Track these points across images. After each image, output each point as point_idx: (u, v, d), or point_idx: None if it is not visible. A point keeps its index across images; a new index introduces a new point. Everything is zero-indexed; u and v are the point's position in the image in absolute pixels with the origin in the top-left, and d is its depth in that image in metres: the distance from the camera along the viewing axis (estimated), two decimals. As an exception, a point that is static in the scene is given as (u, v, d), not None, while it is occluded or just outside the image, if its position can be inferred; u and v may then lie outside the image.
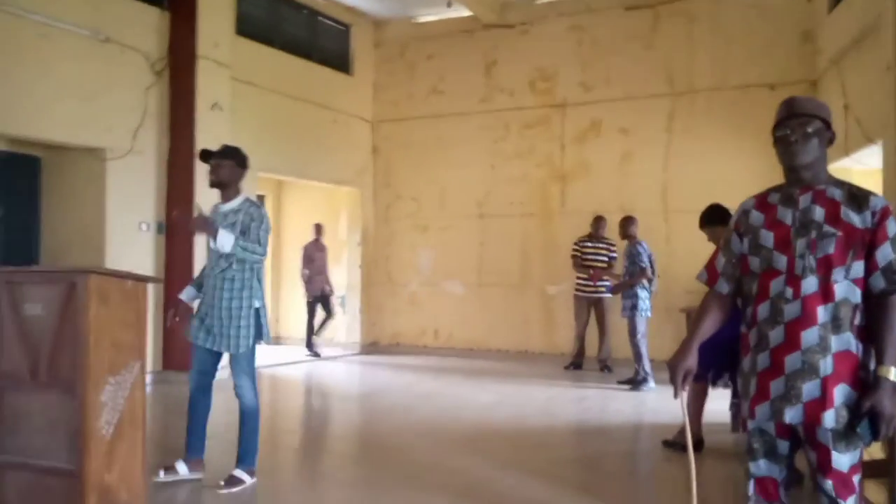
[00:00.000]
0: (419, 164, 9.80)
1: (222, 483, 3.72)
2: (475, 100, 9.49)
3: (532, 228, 9.12)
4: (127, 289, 3.23)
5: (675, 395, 2.38)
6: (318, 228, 9.52)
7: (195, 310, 3.94)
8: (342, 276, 10.11)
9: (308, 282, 9.32)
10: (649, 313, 6.99)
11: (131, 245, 6.96)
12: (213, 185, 3.80)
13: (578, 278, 8.08)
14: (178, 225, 3.72)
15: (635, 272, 6.86)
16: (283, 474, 4.17)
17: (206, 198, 7.29)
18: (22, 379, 3.17)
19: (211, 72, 7.42)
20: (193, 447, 3.86)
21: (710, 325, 2.41)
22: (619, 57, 8.65)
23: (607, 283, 7.84)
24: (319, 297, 9.34)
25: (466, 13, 9.34)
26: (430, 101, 9.79)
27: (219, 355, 3.88)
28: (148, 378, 3.70)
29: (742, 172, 7.42)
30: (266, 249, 3.75)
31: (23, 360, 3.18)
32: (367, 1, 9.47)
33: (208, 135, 7.34)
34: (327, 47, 9.64)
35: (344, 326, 10.06)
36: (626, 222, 7.13)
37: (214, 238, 3.61)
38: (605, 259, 7.97)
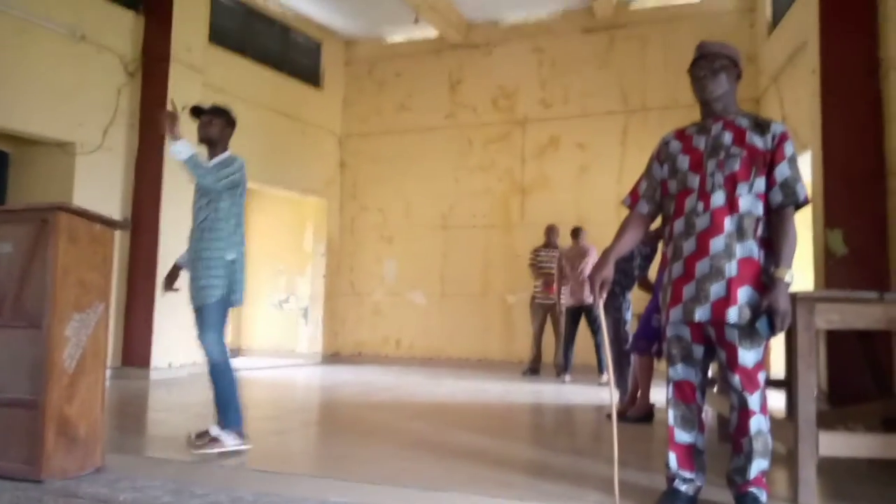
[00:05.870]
0: (385, 177, 10.07)
1: (193, 437, 3.52)
2: (440, 116, 9.85)
3: (493, 240, 9.41)
4: (95, 232, 3.37)
5: (594, 304, 2.62)
6: (578, 232, 7.85)
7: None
8: (306, 286, 10.24)
9: (572, 293, 7.62)
10: None
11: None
12: (202, 140, 3.84)
13: (535, 285, 8.35)
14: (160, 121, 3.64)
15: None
16: (252, 427, 4.26)
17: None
18: (-13, 317, 3.27)
19: (183, 75, 7.62)
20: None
21: (628, 241, 2.69)
22: (577, 76, 9.12)
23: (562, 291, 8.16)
24: (580, 309, 7.58)
25: (433, 34, 9.77)
26: (397, 116, 10.13)
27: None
28: (107, 373, 3.48)
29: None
30: (219, 183, 3.63)
31: (-11, 300, 3.29)
32: (338, 19, 9.84)
33: (178, 135, 7.54)
34: (299, 61, 9.95)
35: (305, 337, 10.12)
36: None
37: (175, 138, 3.52)
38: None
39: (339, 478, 2.90)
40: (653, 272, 5.52)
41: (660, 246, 5.35)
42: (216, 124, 3.86)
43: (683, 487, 2.50)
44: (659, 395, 4.92)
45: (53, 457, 3.10)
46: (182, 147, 3.55)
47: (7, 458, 3.14)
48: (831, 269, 4.73)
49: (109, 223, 3.45)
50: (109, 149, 7.25)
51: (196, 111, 3.91)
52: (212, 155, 3.86)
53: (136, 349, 7.27)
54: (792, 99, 6.78)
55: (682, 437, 2.54)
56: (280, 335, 10.36)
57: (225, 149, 3.89)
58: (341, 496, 2.75)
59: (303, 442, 4.04)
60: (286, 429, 4.34)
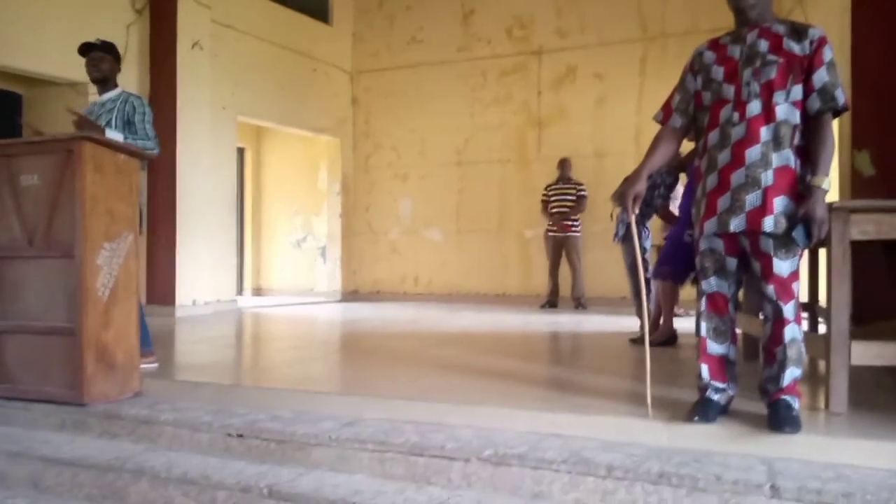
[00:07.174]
0: (399, 113, 9.94)
1: None
2: (453, 49, 9.64)
3: (509, 174, 9.34)
4: (120, 162, 3.38)
5: (629, 217, 2.61)
6: None
7: None
8: (322, 226, 10.27)
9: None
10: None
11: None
12: (95, 80, 3.87)
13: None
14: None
15: None
16: (279, 356, 4.36)
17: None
18: (20, 248, 3.32)
19: (191, 11, 7.49)
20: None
21: (661, 156, 2.65)
22: (593, 3, 8.85)
23: (575, 223, 8.19)
24: None
25: (444, -37, 9.47)
26: (408, 51, 9.93)
27: None
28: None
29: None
30: (156, 142, 3.74)
31: (20, 231, 3.32)
32: (346, -50, 9.56)
33: (189, 73, 7.46)
34: (307, -4, 9.71)
35: (324, 275, 10.22)
36: None
37: (102, 135, 3.52)
38: (572, 199, 8.24)
39: (373, 395, 2.97)
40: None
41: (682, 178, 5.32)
42: (107, 60, 3.88)
43: (716, 397, 2.53)
44: (680, 323, 4.97)
45: (94, 382, 3.20)
46: (114, 136, 3.54)
47: (51, 383, 3.24)
48: (858, 190, 4.66)
49: (133, 153, 3.45)
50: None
51: (86, 48, 3.85)
52: (102, 92, 3.88)
53: (160, 287, 7.37)
54: (819, 19, 6.55)
55: (715, 348, 2.56)
56: (298, 274, 10.45)
57: (115, 85, 3.94)
58: (376, 413, 2.82)
59: (331, 367, 4.13)
60: (313, 357, 4.42)
